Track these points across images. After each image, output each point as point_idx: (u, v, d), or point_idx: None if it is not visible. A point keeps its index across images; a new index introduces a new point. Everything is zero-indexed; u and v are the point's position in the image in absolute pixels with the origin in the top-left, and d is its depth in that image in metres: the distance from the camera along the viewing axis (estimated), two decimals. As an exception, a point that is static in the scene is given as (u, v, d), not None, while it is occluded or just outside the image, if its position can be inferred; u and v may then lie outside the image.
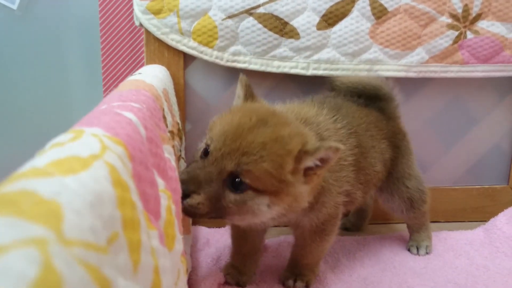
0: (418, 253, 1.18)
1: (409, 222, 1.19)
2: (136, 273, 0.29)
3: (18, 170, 0.26)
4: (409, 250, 1.20)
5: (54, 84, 1.39)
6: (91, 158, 0.29)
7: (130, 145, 0.38)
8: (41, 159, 0.29)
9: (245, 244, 1.00)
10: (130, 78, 0.81)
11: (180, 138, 0.95)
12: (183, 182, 0.67)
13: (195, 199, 0.70)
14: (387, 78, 1.17)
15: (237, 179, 0.71)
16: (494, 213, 1.33)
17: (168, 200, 0.47)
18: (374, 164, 1.01)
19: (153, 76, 0.87)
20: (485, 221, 1.33)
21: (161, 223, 0.43)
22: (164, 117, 0.70)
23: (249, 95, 0.85)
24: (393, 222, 1.39)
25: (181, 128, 0.99)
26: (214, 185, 0.71)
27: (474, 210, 1.42)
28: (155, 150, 0.49)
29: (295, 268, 1.00)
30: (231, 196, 0.72)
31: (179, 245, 0.48)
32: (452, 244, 1.23)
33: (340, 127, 0.94)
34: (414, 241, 1.20)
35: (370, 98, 1.09)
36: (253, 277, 1.01)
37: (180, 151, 0.96)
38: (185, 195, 0.68)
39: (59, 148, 0.31)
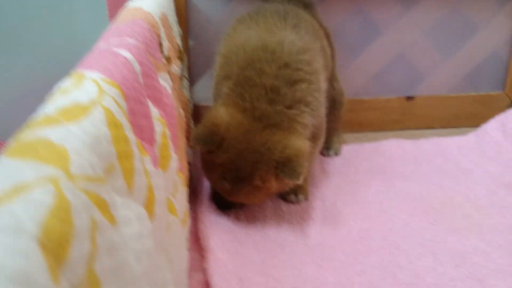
0: (328, 154, 1.29)
1: (326, 125, 1.20)
2: (131, 192, 0.38)
3: (34, 118, 0.34)
4: (321, 152, 1.28)
5: (59, 10, 1.41)
6: (90, 104, 0.37)
7: (124, 86, 0.45)
8: (51, 106, 0.37)
9: None
10: (130, 4, 0.85)
11: (181, 59, 1.01)
12: None
13: None
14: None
15: None
16: (488, 120, 1.39)
17: (163, 127, 0.55)
18: (328, 62, 1.11)
19: (152, 0, 0.91)
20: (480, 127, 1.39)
21: (155, 147, 0.51)
22: (160, 44, 0.76)
23: None
24: (370, 130, 1.47)
25: (182, 48, 1.05)
26: None
27: (469, 116, 1.48)
28: (150, 83, 0.57)
29: None
30: None
31: (174, 163, 0.57)
32: (443, 149, 1.31)
33: (304, 33, 1.01)
34: (326, 143, 1.26)
35: (297, 4, 1.13)
36: None
37: (182, 70, 1.02)
38: None
39: (65, 96, 0.39)
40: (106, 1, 1.35)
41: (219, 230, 0.94)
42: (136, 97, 0.47)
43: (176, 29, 1.02)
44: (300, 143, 0.89)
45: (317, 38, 1.06)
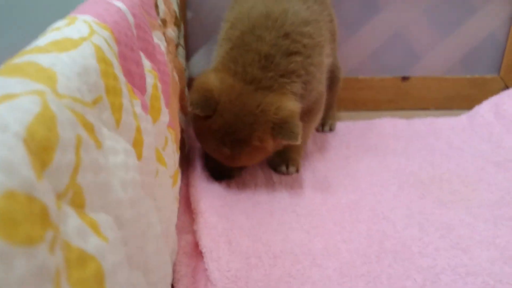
0: (323, 130, 1.30)
1: None
2: (118, 128, 0.38)
3: (25, 48, 0.35)
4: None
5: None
6: (80, 40, 0.38)
7: (116, 30, 0.46)
8: (42, 40, 0.37)
9: None
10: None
11: (178, 26, 1.01)
12: None
13: None
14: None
15: None
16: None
17: (155, 79, 0.56)
18: (336, 36, 1.13)
19: (149, -36, 0.91)
20: (473, 109, 1.40)
21: (146, 97, 0.52)
22: (156, 6, 0.76)
23: None
24: (364, 110, 1.48)
25: (179, 16, 1.05)
26: None
27: (464, 99, 1.49)
28: (143, 35, 0.57)
29: (284, 153, 1.09)
30: None
31: (164, 117, 0.58)
32: (435, 129, 1.32)
33: (313, 2, 1.01)
34: (321, 119, 1.26)
35: None
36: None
37: (179, 38, 1.03)
38: None
39: (57, 32, 0.39)
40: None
41: (210, 195, 0.95)
42: (127, 43, 0.47)
43: (173, -3, 1.02)
44: (291, 104, 0.90)
45: (326, 8, 1.06)
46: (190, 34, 1.36)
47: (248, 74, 0.89)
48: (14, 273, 0.18)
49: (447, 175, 1.09)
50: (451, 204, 0.99)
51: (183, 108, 1.00)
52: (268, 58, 0.89)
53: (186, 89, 1.09)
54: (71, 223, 0.25)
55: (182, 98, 0.98)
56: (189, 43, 1.37)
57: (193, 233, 0.85)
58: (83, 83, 0.33)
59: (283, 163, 1.08)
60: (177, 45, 1.00)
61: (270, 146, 0.91)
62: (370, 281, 0.77)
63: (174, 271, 0.74)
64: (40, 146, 0.24)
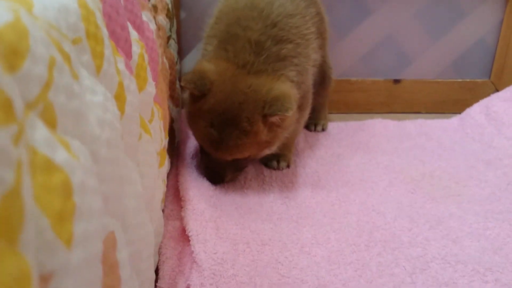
0: (315, 130, 1.30)
1: (314, 100, 1.18)
2: (99, 75, 0.38)
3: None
4: (307, 127, 1.30)
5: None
6: (62, -14, 0.38)
7: (101, -11, 0.46)
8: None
9: None
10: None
11: (170, 19, 1.01)
12: None
13: None
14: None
15: None
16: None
17: (141, 49, 0.56)
18: (324, 31, 1.12)
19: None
20: (464, 113, 1.41)
21: (132, 63, 0.52)
22: (148, -10, 0.77)
23: None
24: (356, 112, 1.49)
25: (171, 11, 1.05)
26: None
27: (455, 102, 1.50)
28: (131, 7, 0.57)
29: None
30: None
31: (151, 88, 0.58)
32: (426, 130, 1.32)
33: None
34: (313, 119, 1.29)
35: None
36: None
37: (171, 31, 1.03)
38: None
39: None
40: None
41: (200, 185, 0.94)
42: (113, 5, 0.47)
43: (166, -10, 1.03)
44: (285, 86, 0.90)
45: (311, 5, 1.06)
46: (183, 33, 1.37)
47: (240, 59, 0.89)
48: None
49: (438, 172, 1.08)
50: (442, 199, 0.98)
51: (173, 100, 0.99)
52: (259, 44, 0.90)
53: (178, 83, 1.09)
54: (39, 133, 0.25)
55: (172, 89, 0.98)
56: (182, 43, 1.38)
57: (181, 219, 0.84)
58: (62, 19, 0.33)
59: (274, 158, 1.07)
60: (169, 37, 1.00)
61: (262, 132, 0.89)
62: (358, 268, 0.76)
63: (159, 254, 0.73)
64: (9, 49, 0.24)
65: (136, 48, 0.54)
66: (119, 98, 0.42)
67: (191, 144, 1.13)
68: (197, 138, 0.96)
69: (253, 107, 0.87)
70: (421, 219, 0.90)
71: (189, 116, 0.94)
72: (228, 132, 0.88)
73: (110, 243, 0.32)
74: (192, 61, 1.40)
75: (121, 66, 0.45)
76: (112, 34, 0.46)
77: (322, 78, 1.24)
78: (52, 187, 0.24)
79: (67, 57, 0.31)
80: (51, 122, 0.27)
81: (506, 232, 0.87)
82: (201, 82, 0.87)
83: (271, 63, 0.90)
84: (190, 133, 1.06)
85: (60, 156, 0.25)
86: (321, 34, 1.10)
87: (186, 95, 0.97)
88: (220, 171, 0.97)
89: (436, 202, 0.97)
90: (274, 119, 0.88)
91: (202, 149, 0.98)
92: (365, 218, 0.90)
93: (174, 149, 1.02)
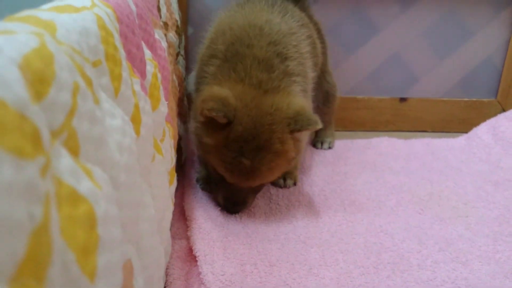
0: (322, 147, 1.30)
1: (320, 118, 1.13)
2: (117, 97, 0.38)
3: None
4: (314, 145, 1.30)
5: None
6: (82, 8, 0.37)
7: (118, 10, 0.46)
8: (45, 6, 0.37)
9: None
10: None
11: (179, 35, 1.02)
12: None
13: None
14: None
15: None
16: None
17: (155, 68, 0.56)
18: (317, 51, 1.11)
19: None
20: (471, 132, 1.40)
21: (146, 83, 0.51)
22: (159, 8, 0.77)
23: None
24: (362, 130, 1.49)
25: (180, 27, 1.06)
26: None
27: (461, 121, 1.49)
28: (145, 26, 0.57)
29: None
30: None
31: (164, 108, 0.57)
32: (433, 149, 1.32)
33: (290, 19, 1.02)
34: (320, 137, 1.30)
35: None
36: None
37: (179, 48, 1.03)
38: None
39: (59, 1, 0.39)
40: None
41: (205, 204, 0.94)
42: (129, 24, 0.47)
43: (175, 7, 1.04)
44: (300, 100, 0.89)
45: (304, 26, 1.06)
46: (190, 49, 1.37)
47: (253, 77, 0.86)
48: (0, 177, 0.17)
49: (446, 193, 1.08)
50: (450, 220, 0.97)
51: (181, 116, 0.99)
52: (267, 61, 0.89)
53: (186, 99, 1.09)
54: (64, 162, 0.24)
55: (180, 106, 0.98)
56: (189, 58, 1.38)
57: (188, 239, 0.83)
58: (83, 42, 0.33)
59: (280, 176, 1.07)
60: (177, 54, 1.00)
61: (291, 149, 0.86)
62: (368, 291, 0.75)
63: (166, 274, 0.72)
64: (36, 77, 0.23)
65: (150, 68, 0.54)
66: (135, 120, 0.42)
67: (196, 161, 1.12)
68: (220, 170, 0.89)
69: (282, 126, 0.84)
70: (429, 241, 0.89)
71: (209, 150, 0.87)
72: (261, 158, 0.84)
73: (127, 271, 0.32)
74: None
75: (137, 87, 0.44)
76: (129, 54, 0.46)
77: (325, 96, 1.24)
78: (77, 219, 0.23)
79: (89, 82, 0.30)
80: (74, 150, 0.26)
81: (516, 255, 0.86)
82: (227, 109, 0.81)
83: (282, 80, 0.89)
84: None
85: (84, 185, 0.25)
86: (316, 54, 1.09)
87: (194, 124, 0.90)
88: (242, 199, 0.93)
89: (445, 223, 0.96)
90: (299, 133, 0.87)
91: (219, 180, 0.92)
92: (372, 239, 0.89)
93: (181, 167, 1.01)
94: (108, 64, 0.37)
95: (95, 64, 0.34)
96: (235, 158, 0.84)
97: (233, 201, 0.92)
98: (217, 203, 0.95)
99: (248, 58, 0.88)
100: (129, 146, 0.35)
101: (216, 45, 0.93)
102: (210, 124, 0.84)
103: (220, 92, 0.84)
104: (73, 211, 0.23)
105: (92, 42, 0.34)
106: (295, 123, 0.84)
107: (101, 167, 0.29)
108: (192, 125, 0.91)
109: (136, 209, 0.37)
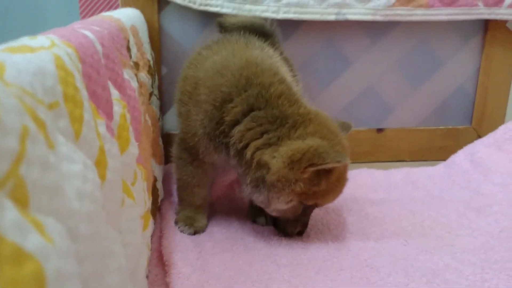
0: None
1: None
2: (78, 141, 0.35)
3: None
4: None
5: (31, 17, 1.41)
6: (39, 48, 0.36)
7: (81, 49, 0.44)
8: (-2, 48, 0.35)
9: (199, 193, 1.00)
10: (102, 14, 0.85)
11: (152, 75, 1.00)
12: None
13: None
14: (352, 21, 1.24)
15: None
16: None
17: (123, 109, 0.53)
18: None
19: (123, 14, 0.92)
20: (448, 160, 1.41)
21: (113, 124, 0.49)
22: (129, 48, 0.76)
23: None
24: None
25: (153, 67, 1.04)
26: None
27: (438, 149, 1.50)
28: (112, 66, 0.55)
29: None
30: None
31: (134, 149, 0.55)
32: (413, 178, 1.31)
33: (269, 56, 1.01)
34: None
35: (257, 35, 1.11)
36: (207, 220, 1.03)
37: (152, 88, 1.02)
38: None
39: (15, 42, 0.37)
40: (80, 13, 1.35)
41: (184, 247, 0.90)
42: (93, 64, 0.45)
43: (147, 47, 1.03)
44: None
45: (280, 63, 1.06)
46: (164, 89, 1.36)
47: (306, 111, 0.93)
48: None
49: (429, 222, 1.06)
50: (435, 250, 0.95)
51: (156, 158, 0.96)
52: (292, 92, 0.93)
53: (160, 140, 1.06)
54: (8, 215, 0.21)
55: (155, 147, 0.95)
56: (163, 98, 1.36)
57: (166, 285, 0.79)
58: (38, 83, 0.30)
59: (262, 214, 1.04)
60: (150, 94, 0.98)
61: None
62: (356, 330, 0.72)
63: (143, 326, 0.67)
64: (-25, 122, 0.21)
65: (118, 108, 0.52)
66: (100, 164, 0.39)
67: (175, 202, 1.08)
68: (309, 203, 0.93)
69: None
70: (416, 273, 0.86)
71: (314, 197, 0.91)
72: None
73: (90, 332, 0.29)
74: (174, 116, 1.38)
75: (102, 129, 0.42)
76: (93, 95, 0.44)
77: None
78: (22, 280, 0.20)
79: (42, 125, 0.28)
80: (22, 201, 0.24)
81: (504, 283, 0.84)
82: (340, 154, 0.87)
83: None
84: (174, 191, 1.02)
85: (31, 241, 0.22)
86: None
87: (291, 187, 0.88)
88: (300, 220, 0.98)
89: (430, 253, 0.94)
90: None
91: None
92: (358, 274, 0.86)
93: (157, 209, 0.98)
94: (67, 106, 0.34)
95: (51, 106, 0.32)
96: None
97: (293, 224, 0.97)
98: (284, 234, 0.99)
99: (283, 97, 0.90)
100: (91, 192, 0.33)
101: (219, 88, 0.87)
102: (317, 173, 0.88)
103: (314, 142, 0.87)
104: (17, 272, 0.20)
105: (48, 83, 0.32)
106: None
107: (55, 218, 0.26)
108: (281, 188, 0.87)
109: (102, 260, 0.34)
